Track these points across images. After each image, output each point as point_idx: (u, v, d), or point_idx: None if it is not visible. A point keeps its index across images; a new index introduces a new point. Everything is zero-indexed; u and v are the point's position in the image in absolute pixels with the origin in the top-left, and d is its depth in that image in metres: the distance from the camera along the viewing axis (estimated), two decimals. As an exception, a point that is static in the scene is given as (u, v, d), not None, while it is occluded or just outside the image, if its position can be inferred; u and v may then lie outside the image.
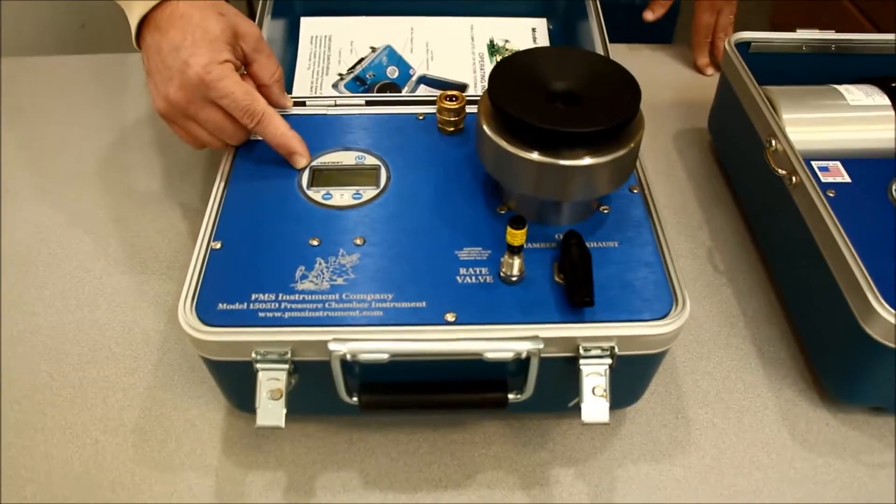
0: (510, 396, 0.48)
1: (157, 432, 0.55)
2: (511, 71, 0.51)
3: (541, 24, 0.83)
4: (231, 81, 0.54)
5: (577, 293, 0.46)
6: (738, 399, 0.58)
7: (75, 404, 0.56)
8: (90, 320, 0.62)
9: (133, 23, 0.55)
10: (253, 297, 0.47)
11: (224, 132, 0.57)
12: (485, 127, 0.50)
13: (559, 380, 0.48)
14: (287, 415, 0.46)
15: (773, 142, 0.62)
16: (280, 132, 0.56)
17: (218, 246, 0.51)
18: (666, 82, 0.89)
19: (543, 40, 0.80)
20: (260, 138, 0.58)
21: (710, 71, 0.89)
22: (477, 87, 0.75)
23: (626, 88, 0.49)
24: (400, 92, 0.75)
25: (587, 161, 0.47)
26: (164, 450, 0.54)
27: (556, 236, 0.51)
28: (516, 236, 0.46)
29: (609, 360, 0.47)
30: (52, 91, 0.85)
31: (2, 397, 0.56)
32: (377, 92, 0.75)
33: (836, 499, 0.52)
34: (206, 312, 0.47)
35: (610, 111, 0.48)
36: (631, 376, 0.50)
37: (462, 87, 0.75)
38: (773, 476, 0.53)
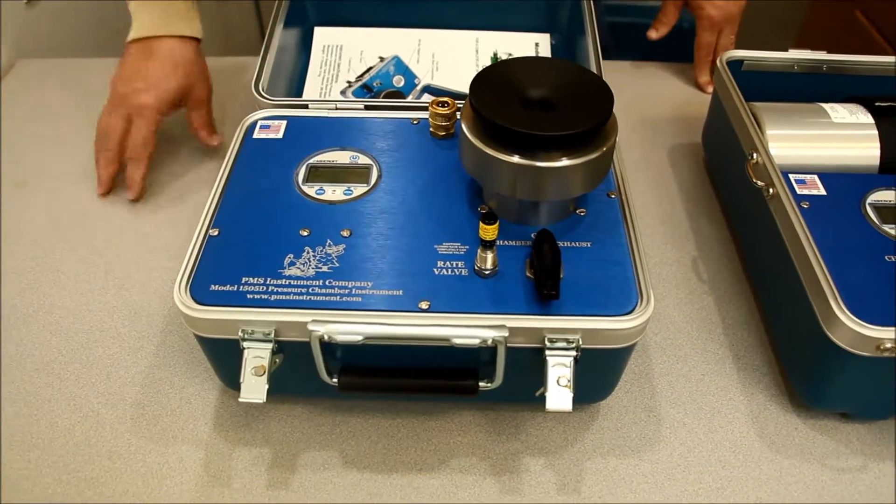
0: (480, 384, 0.51)
1: (153, 407, 0.59)
2: (492, 79, 0.54)
3: (544, 38, 0.86)
4: (148, 124, 0.73)
5: (543, 286, 0.48)
6: (711, 401, 0.60)
7: (81, 379, 0.60)
8: (100, 303, 0.66)
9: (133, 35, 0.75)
10: (243, 280, 0.51)
11: (109, 135, 0.74)
12: (466, 131, 0.53)
13: (528, 370, 0.51)
14: (274, 395, 0.49)
15: (755, 155, 0.64)
16: (138, 176, 0.75)
17: (215, 233, 0.54)
18: (666, 98, 0.91)
19: (545, 54, 0.84)
20: (260, 137, 0.62)
21: (710, 88, 0.91)
22: (478, 97, 0.79)
23: (599, 95, 0.52)
24: (404, 98, 0.79)
25: (562, 163, 0.50)
26: (159, 423, 0.58)
27: (532, 235, 0.54)
28: (488, 231, 0.49)
29: (574, 353, 0.49)
30: (76, 91, 0.91)
31: (14, 369, 0.61)
32: (383, 98, 0.78)
33: (799, 500, 0.53)
34: (200, 292, 0.50)
35: (584, 115, 0.51)
36: (599, 370, 0.53)
37: (463, 97, 0.79)
38: (738, 475, 0.55)
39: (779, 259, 0.59)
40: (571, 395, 0.49)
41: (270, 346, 0.49)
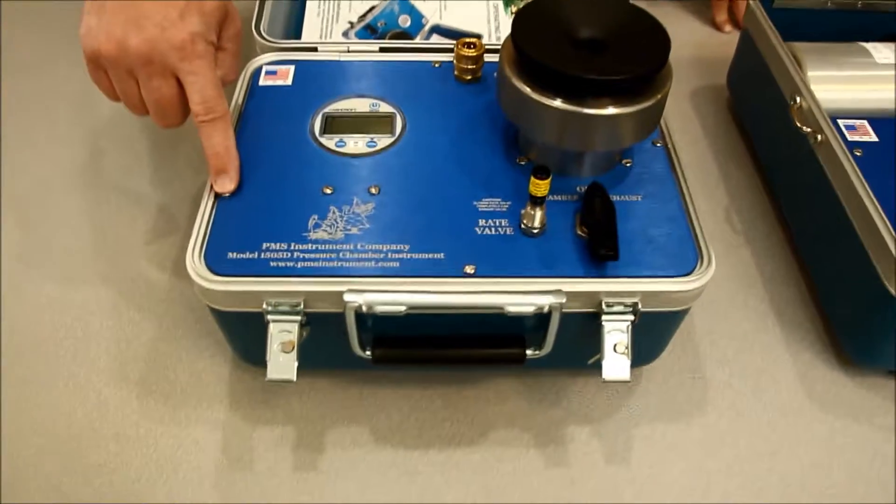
0: (528, 352, 0.47)
1: (161, 385, 0.54)
2: (536, 16, 0.48)
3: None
4: (209, 64, 0.48)
5: (600, 247, 0.44)
6: (755, 360, 0.57)
7: (78, 356, 0.55)
8: (93, 272, 0.61)
9: None
10: (264, 246, 0.46)
11: (165, 109, 0.49)
12: (508, 72, 0.48)
13: (579, 336, 0.47)
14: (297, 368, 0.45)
15: (798, 98, 0.60)
16: (227, 144, 0.49)
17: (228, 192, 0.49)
18: (683, 38, 0.86)
19: (560, -9, 0.78)
20: (267, 84, 0.55)
21: (728, 28, 0.86)
22: (491, 37, 0.73)
23: (654, 37, 0.47)
24: (412, 41, 0.72)
25: (612, 111, 0.45)
26: (168, 403, 0.53)
27: (578, 188, 0.50)
28: (540, 186, 0.44)
29: (632, 317, 0.45)
30: (57, 39, 0.82)
31: (3, 349, 0.55)
32: (389, 39, 0.72)
33: (851, 461, 0.51)
34: (216, 261, 0.45)
35: (638, 60, 0.46)
36: (651, 334, 0.49)
37: (476, 38, 0.73)
38: (789, 437, 0.52)
39: (827, 210, 0.55)
40: (629, 362, 0.45)
41: (299, 318, 0.45)
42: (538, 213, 0.46)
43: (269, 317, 0.45)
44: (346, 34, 0.72)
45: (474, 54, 0.56)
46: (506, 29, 0.73)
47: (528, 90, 0.47)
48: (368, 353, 0.47)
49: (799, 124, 0.59)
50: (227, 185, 0.49)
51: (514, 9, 0.76)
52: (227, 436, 0.51)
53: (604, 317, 0.45)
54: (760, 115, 0.69)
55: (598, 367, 0.45)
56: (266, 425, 0.52)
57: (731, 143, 0.74)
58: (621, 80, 0.44)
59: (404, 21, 0.74)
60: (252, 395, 0.53)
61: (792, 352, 0.58)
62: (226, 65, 0.52)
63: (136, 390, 0.53)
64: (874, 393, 0.55)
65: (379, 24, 0.74)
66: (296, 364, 0.45)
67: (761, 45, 0.67)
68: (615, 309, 0.45)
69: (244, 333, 0.48)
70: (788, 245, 0.64)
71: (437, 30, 0.74)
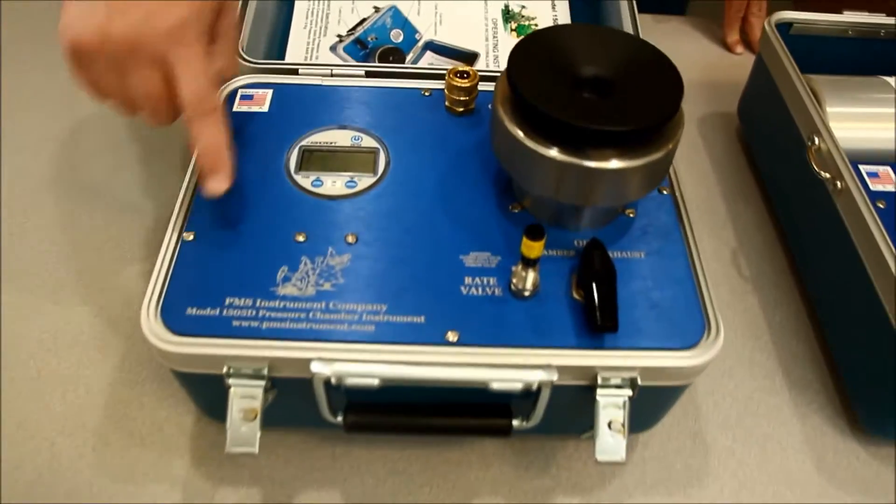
0: (514, 423, 0.43)
1: (119, 436, 0.50)
2: (535, 50, 0.44)
3: (562, -12, 0.75)
4: (200, 53, 0.43)
5: (599, 317, 0.40)
6: (761, 424, 0.53)
7: (31, 399, 0.51)
8: (52, 302, 0.56)
9: None
10: (227, 301, 0.41)
11: (154, 104, 0.44)
12: (501, 114, 0.43)
13: (571, 407, 0.43)
14: (262, 426, 0.41)
15: (817, 139, 0.55)
16: (219, 140, 0.44)
17: (190, 237, 0.44)
18: (691, 59, 0.82)
19: (563, 9, 0.73)
20: (242, 110, 0.51)
21: (739, 49, 0.82)
22: (489, 56, 0.68)
23: (666, 79, 0.43)
24: (404, 58, 0.68)
25: (617, 164, 0.41)
26: (126, 456, 0.49)
27: (576, 243, 0.45)
28: (533, 248, 0.40)
29: (629, 392, 0.41)
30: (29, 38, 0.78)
31: (-52, 389, 0.51)
32: (379, 57, 0.68)
33: (864, 543, 0.47)
34: (174, 318, 0.41)
35: (648, 106, 0.41)
36: (649, 405, 0.45)
37: (472, 56, 0.68)
38: (796, 513, 0.49)
39: (844, 262, 0.51)
40: (625, 441, 0.41)
41: (263, 383, 0.40)
42: (530, 275, 0.42)
43: (231, 380, 0.41)
44: (333, 49, 0.68)
45: (467, 85, 0.51)
46: (505, 47, 0.69)
47: (522, 135, 0.42)
48: (340, 418, 0.42)
49: (817, 168, 0.54)
50: (220, 186, 0.44)
51: (513, 25, 0.71)
52: (187, 496, 0.47)
53: (598, 391, 0.41)
54: (773, 152, 0.65)
55: (592, 441, 0.41)
56: (230, 485, 0.48)
57: (740, 177, 0.69)
58: (628, 132, 0.40)
59: (396, 36, 0.70)
60: (216, 451, 0.49)
61: (800, 415, 0.54)
62: (224, 56, 0.47)
63: (91, 441, 0.49)
64: (888, 466, 0.51)
65: (369, 39, 0.69)
66: (258, 434, 0.41)
67: (777, 76, 0.63)
68: (611, 383, 0.41)
69: (206, 393, 0.44)
70: (799, 294, 0.60)
71: (431, 46, 0.69)
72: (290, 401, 0.42)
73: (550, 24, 0.71)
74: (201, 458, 0.49)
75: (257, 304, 0.41)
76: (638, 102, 0.41)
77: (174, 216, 0.45)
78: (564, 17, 0.72)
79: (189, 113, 0.43)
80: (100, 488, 0.47)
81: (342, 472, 0.48)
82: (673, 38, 0.84)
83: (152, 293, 0.42)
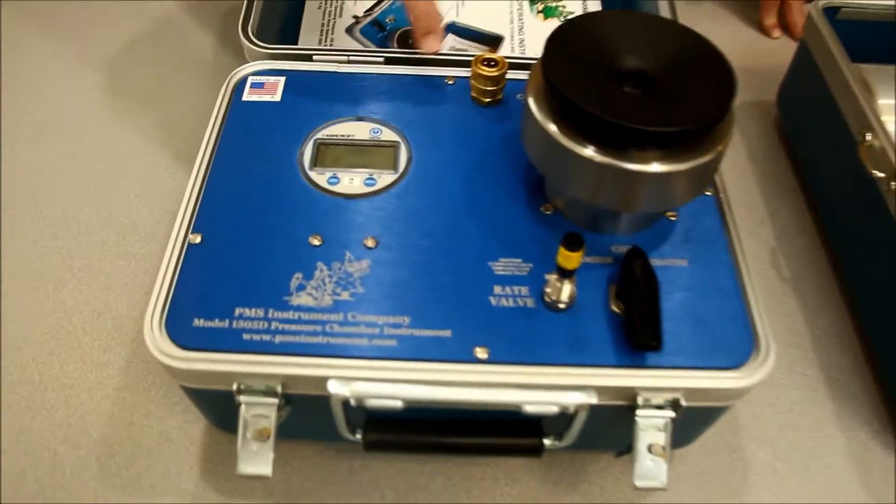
0: (546, 442, 0.40)
1: (125, 445, 0.47)
2: (572, 38, 0.40)
3: (591, -33, 0.71)
4: None
5: (641, 335, 0.37)
6: (803, 438, 0.50)
7: (32, 405, 0.48)
8: (54, 301, 0.54)
9: None
10: (237, 312, 0.38)
11: None
12: (533, 108, 0.40)
13: (607, 424, 0.40)
14: (276, 440, 0.38)
15: (869, 135, 0.51)
16: (434, 4, 0.50)
17: (197, 240, 0.41)
18: (726, 44, 0.76)
19: (594, -13, 0.69)
20: (252, 100, 0.48)
21: (776, 33, 0.77)
22: (513, 39, 0.65)
23: (716, 73, 0.39)
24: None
25: (661, 167, 0.37)
26: (133, 467, 0.46)
27: (614, 249, 0.42)
28: (571, 259, 0.36)
29: (671, 413, 0.38)
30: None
31: (-56, 395, 0.48)
32: (398, 40, 0.64)
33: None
34: (179, 331, 0.38)
35: (697, 104, 0.37)
36: (688, 424, 0.42)
37: (496, 40, 0.64)
38: (840, 536, 0.46)
39: (895, 266, 0.48)
40: (666, 466, 0.38)
41: (276, 401, 0.37)
42: (566, 287, 0.38)
43: (241, 397, 0.38)
44: (350, 31, 0.64)
45: (495, 74, 0.47)
46: (531, 30, 0.65)
47: (556, 132, 0.39)
48: (359, 436, 0.40)
49: (869, 167, 0.51)
50: (434, 45, 0.50)
51: (540, 7, 0.67)
52: (195, 511, 0.45)
53: (639, 411, 0.38)
54: (818, 146, 0.61)
55: (629, 461, 0.38)
56: (241, 500, 0.45)
57: (779, 172, 0.65)
58: (675, 133, 0.36)
59: (416, 18, 0.65)
60: (227, 462, 0.47)
61: (844, 428, 0.50)
62: None
63: (95, 450, 0.47)
64: (939, 483, 0.48)
65: (388, 21, 0.65)
66: (272, 455, 0.38)
67: (823, 64, 0.59)
68: (653, 403, 0.38)
69: (216, 406, 0.42)
70: (843, 298, 0.57)
71: (453, 28, 0.65)
72: (306, 415, 0.40)
73: (579, 6, 0.67)
74: (211, 470, 0.46)
75: (269, 314, 0.38)
76: (686, 100, 0.38)
77: (180, 216, 0.42)
78: (594, -1, 0.68)
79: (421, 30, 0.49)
80: (105, 499, 0.45)
81: (360, 487, 0.46)
82: (706, 22, 0.80)
83: (156, 303, 0.39)
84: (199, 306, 0.38)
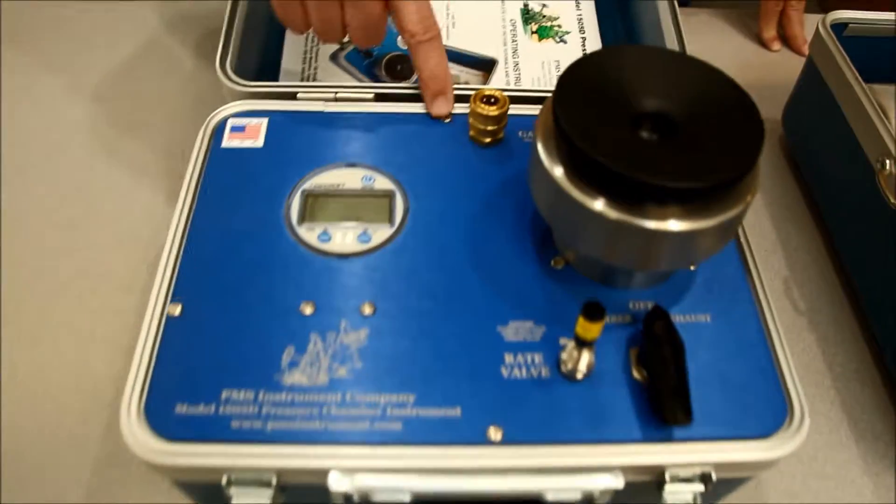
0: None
1: (105, 529, 0.43)
2: (586, 77, 0.37)
3: (586, -17, 0.67)
4: None
5: (670, 410, 0.33)
6: (830, 488, 0.47)
7: (8, 485, 0.44)
8: (28, 359, 0.49)
9: None
10: (224, 395, 0.35)
11: (371, 28, 0.46)
12: (542, 154, 0.36)
13: (629, 496, 0.37)
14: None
15: (888, 163, 0.49)
16: (444, 63, 0.47)
17: (177, 311, 0.37)
18: (724, 58, 0.74)
19: (589, 8, 0.65)
20: (232, 146, 0.44)
21: (776, 46, 0.74)
22: (507, 63, 0.61)
23: (742, 117, 0.36)
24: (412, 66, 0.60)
25: (684, 225, 0.34)
26: (114, 553, 0.42)
27: (631, 305, 0.39)
28: (591, 330, 0.33)
29: (700, 487, 0.35)
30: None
31: None
32: (385, 66, 0.60)
33: None
34: (160, 419, 0.34)
35: (723, 153, 0.34)
36: (714, 491, 0.39)
37: (490, 64, 0.61)
38: None
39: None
40: (697, 546, 0.35)
41: (270, 491, 0.34)
42: (585, 357, 0.35)
43: (232, 489, 0.34)
44: (334, 58, 0.60)
45: (496, 113, 0.44)
46: (525, 53, 0.62)
47: (567, 184, 0.35)
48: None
49: (890, 196, 0.48)
50: (444, 108, 0.47)
51: (534, 27, 0.64)
52: None
53: (667, 486, 0.35)
54: (830, 172, 0.58)
55: None
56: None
57: (787, 197, 0.62)
58: (700, 190, 0.33)
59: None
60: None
61: (872, 474, 0.48)
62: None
63: (72, 534, 0.43)
64: (973, 532, 0.45)
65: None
66: (267, 553, 0.34)
67: (834, 85, 0.56)
68: (680, 477, 0.35)
69: (205, 495, 0.38)
70: (862, 332, 0.54)
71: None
72: (304, 501, 0.36)
73: (575, 25, 0.64)
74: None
75: (260, 397, 0.35)
76: (711, 148, 0.34)
77: (157, 283, 0.39)
78: (590, 17, 0.65)
79: (417, 38, 0.46)
80: None
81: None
82: (702, 33, 0.77)
83: (133, 386, 0.35)
84: (182, 390, 0.35)
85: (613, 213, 0.34)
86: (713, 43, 0.76)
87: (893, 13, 0.58)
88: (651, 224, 0.34)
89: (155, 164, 0.61)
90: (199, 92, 0.66)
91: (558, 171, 0.36)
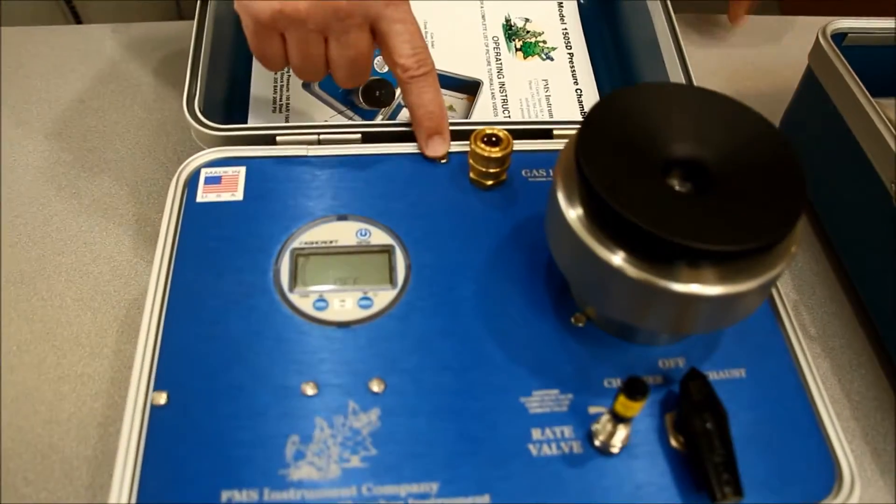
0: None
1: None
2: (614, 119, 0.33)
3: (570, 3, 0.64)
4: (410, 10, 0.42)
5: (719, 488, 0.31)
6: (858, 525, 0.45)
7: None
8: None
9: None
10: (224, 497, 0.31)
11: (358, 66, 0.42)
12: (562, 203, 0.33)
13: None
14: None
15: (904, 184, 0.47)
16: (440, 100, 0.44)
17: (162, 400, 0.33)
18: (712, 63, 0.72)
19: (574, 21, 0.62)
20: (209, 200, 0.39)
21: (742, 22, 0.70)
22: (493, 83, 0.58)
23: (781, 165, 0.33)
24: (393, 92, 0.56)
25: (720, 290, 0.31)
26: None
27: (661, 364, 0.36)
28: (632, 408, 0.30)
29: (749, 561, 0.32)
30: None
31: None
32: (363, 93, 0.56)
33: None
34: (152, 530, 0.30)
35: (763, 209, 0.31)
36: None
37: (474, 86, 0.58)
38: None
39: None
40: None
41: None
42: (621, 433, 0.32)
43: None
44: (307, 86, 0.56)
45: (499, 155, 0.40)
46: (511, 72, 0.58)
47: (591, 241, 0.32)
48: None
49: (906, 219, 0.46)
50: (441, 149, 0.44)
51: (518, 44, 0.60)
52: None
53: (712, 564, 0.32)
54: (836, 190, 0.56)
55: None
56: None
57: (788, 210, 0.60)
58: (740, 252, 0.30)
59: (381, 64, 0.58)
60: None
61: (897, 507, 0.46)
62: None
63: None
64: None
65: (350, 70, 0.57)
66: None
67: (838, 100, 0.54)
68: (728, 553, 0.32)
69: None
70: (875, 355, 0.52)
71: (425, 75, 0.58)
72: None
73: (561, 40, 0.61)
74: None
75: (266, 496, 0.31)
76: (750, 202, 0.31)
77: (137, 369, 0.34)
78: (576, 30, 0.62)
79: (410, 73, 0.43)
80: None
81: None
82: (698, 37, 0.74)
83: (120, 489, 0.31)
84: (176, 493, 0.31)
85: (643, 276, 0.31)
86: (705, 47, 0.73)
87: (894, 20, 0.56)
88: (685, 288, 0.31)
89: (118, 208, 0.56)
90: (161, 122, 0.61)
91: (580, 226, 0.32)
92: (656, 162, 0.32)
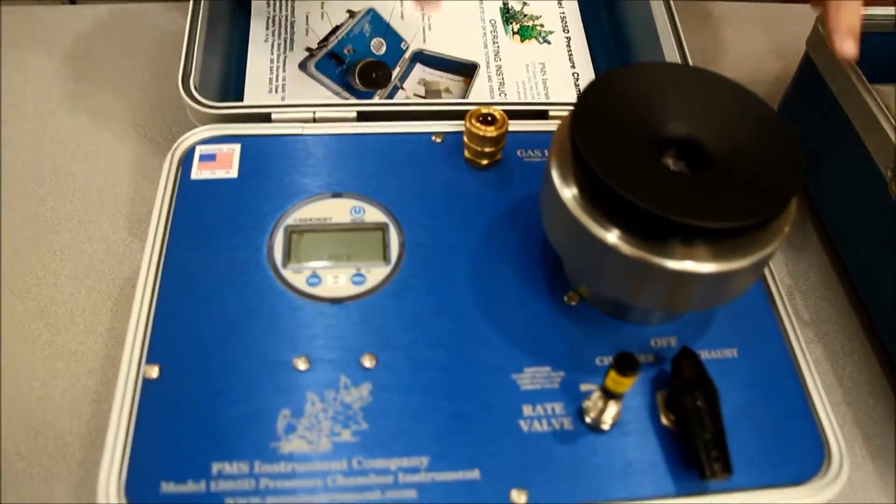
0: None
1: None
2: (609, 98, 0.33)
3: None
4: None
5: (709, 465, 0.31)
6: (849, 509, 0.45)
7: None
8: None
9: None
10: (215, 469, 0.31)
11: None
12: (557, 182, 0.33)
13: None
14: None
15: (899, 170, 0.47)
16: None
17: (154, 374, 0.33)
18: (707, 50, 0.72)
19: (572, 6, 0.62)
20: (203, 178, 0.39)
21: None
22: (490, 66, 0.58)
23: (777, 146, 0.33)
24: (389, 74, 0.56)
25: (715, 267, 0.31)
26: None
27: (653, 343, 0.36)
28: (623, 384, 0.30)
29: (738, 539, 0.33)
30: None
31: None
32: (359, 74, 0.56)
33: None
34: (143, 497, 0.30)
35: (758, 187, 0.31)
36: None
37: (471, 68, 0.58)
38: None
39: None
40: None
41: (272, 577, 0.30)
42: (612, 409, 0.32)
43: (229, 576, 0.30)
44: (304, 66, 0.56)
45: (494, 134, 0.40)
46: (508, 55, 0.58)
47: (585, 218, 0.32)
48: None
49: (901, 205, 0.46)
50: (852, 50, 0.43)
51: (515, 27, 0.60)
52: None
53: (702, 541, 0.32)
54: (832, 176, 0.56)
55: None
56: None
57: (783, 197, 0.60)
58: (735, 229, 0.30)
59: (378, 46, 0.58)
60: None
61: (887, 492, 0.46)
62: None
63: None
64: None
65: (346, 51, 0.57)
66: None
67: (835, 86, 0.53)
68: (717, 530, 0.32)
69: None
70: (868, 341, 0.52)
71: (421, 58, 0.58)
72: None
73: (558, 24, 0.61)
74: None
75: (256, 469, 0.31)
76: (745, 180, 0.31)
77: (129, 343, 0.34)
78: (574, 15, 0.62)
79: None
80: None
81: None
82: (698, 22, 0.74)
83: (111, 464, 0.31)
84: (167, 465, 0.31)
85: (638, 253, 0.31)
86: (706, 32, 0.73)
87: (893, 7, 0.56)
88: (679, 265, 0.31)
89: (113, 187, 0.56)
90: (157, 102, 0.61)
91: (575, 205, 0.33)
92: (651, 141, 0.32)
